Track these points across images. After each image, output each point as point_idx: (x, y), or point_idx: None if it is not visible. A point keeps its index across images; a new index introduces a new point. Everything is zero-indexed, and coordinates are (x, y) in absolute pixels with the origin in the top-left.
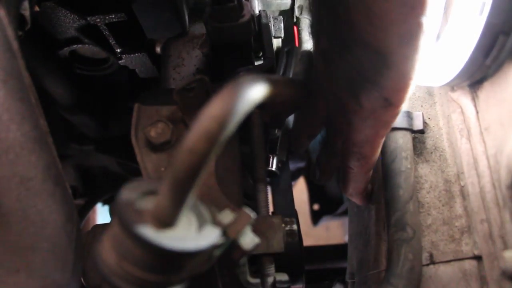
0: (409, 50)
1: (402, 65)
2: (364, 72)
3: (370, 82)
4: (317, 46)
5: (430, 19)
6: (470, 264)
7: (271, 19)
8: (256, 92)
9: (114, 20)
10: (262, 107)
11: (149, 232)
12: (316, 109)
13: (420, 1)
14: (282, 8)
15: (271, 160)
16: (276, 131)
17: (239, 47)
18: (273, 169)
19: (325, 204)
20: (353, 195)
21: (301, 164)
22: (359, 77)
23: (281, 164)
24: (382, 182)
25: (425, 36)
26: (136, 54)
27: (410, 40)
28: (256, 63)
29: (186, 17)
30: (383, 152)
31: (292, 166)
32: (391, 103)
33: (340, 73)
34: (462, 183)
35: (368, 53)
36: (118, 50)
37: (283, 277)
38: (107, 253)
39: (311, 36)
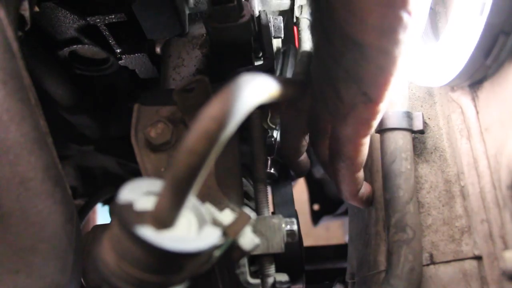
0: (389, 44)
1: (381, 59)
2: (344, 65)
3: (349, 74)
4: (313, 45)
5: (412, 15)
6: (470, 265)
7: (271, 19)
8: (256, 92)
9: (114, 20)
10: (262, 108)
11: (148, 233)
12: (302, 109)
13: None
14: (282, 8)
15: (269, 162)
16: (273, 133)
17: (239, 47)
18: (271, 171)
19: (325, 204)
20: (348, 198)
21: None
22: (340, 70)
23: (279, 166)
24: (382, 183)
25: (406, 32)
26: (136, 54)
27: (390, 34)
28: (256, 63)
29: (186, 17)
30: (383, 152)
31: None
32: (371, 99)
33: (325, 68)
34: (462, 183)
35: (347, 44)
36: (118, 51)
37: (283, 277)
38: (107, 253)
39: (311, 35)
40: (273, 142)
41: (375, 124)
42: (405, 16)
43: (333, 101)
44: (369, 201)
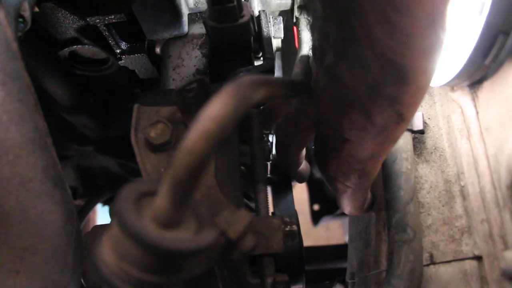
0: (429, 64)
1: (421, 79)
2: (379, 89)
3: (386, 98)
4: (321, 63)
5: (446, 32)
6: (471, 264)
7: (271, 20)
8: (255, 92)
9: (113, 20)
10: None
11: (148, 233)
12: (305, 114)
13: (441, 15)
14: (282, 8)
15: (268, 167)
16: (268, 138)
17: (238, 47)
18: (270, 175)
19: (325, 204)
20: (352, 212)
21: None
22: (373, 94)
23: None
24: (383, 183)
25: (442, 50)
26: (136, 54)
27: (431, 55)
28: (256, 64)
29: (186, 17)
30: None
31: None
32: (404, 118)
33: (348, 91)
34: (462, 183)
35: (387, 69)
36: (118, 51)
37: (283, 277)
38: (107, 254)
39: (310, 33)
40: (269, 146)
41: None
42: (442, 34)
43: (360, 124)
44: (370, 208)
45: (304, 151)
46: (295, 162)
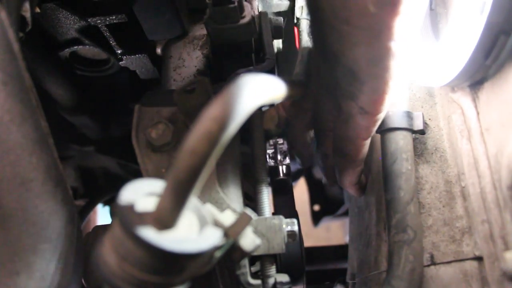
0: (379, 70)
1: (374, 83)
2: (341, 83)
3: (346, 92)
4: (315, 62)
5: (399, 44)
6: (471, 265)
7: (271, 20)
8: (257, 93)
9: (114, 21)
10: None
11: (150, 234)
12: (306, 108)
13: (388, 27)
14: (283, 9)
15: (283, 169)
16: (281, 141)
17: (239, 48)
18: (283, 177)
19: (326, 205)
20: (348, 187)
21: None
22: (338, 87)
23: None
24: (383, 183)
25: (395, 58)
26: (137, 55)
27: (379, 62)
28: (257, 64)
29: (187, 18)
30: (383, 153)
31: (293, 167)
32: (367, 112)
33: (326, 79)
34: (462, 184)
35: (344, 71)
36: (119, 51)
37: (284, 278)
38: (108, 254)
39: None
40: (285, 148)
41: (375, 129)
42: (391, 45)
43: (335, 108)
44: (363, 189)
45: (311, 134)
46: (304, 142)
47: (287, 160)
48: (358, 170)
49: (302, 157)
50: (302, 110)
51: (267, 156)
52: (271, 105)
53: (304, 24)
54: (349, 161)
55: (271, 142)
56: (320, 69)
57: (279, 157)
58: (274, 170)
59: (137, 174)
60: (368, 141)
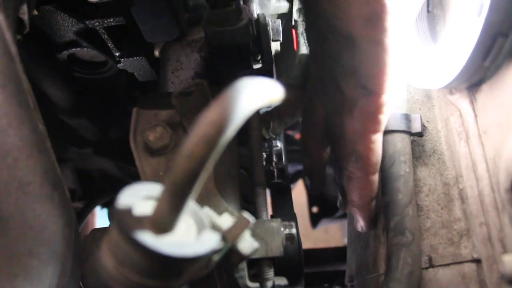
0: (377, 33)
1: (373, 49)
2: (340, 60)
3: (346, 69)
4: (309, 46)
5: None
6: (469, 268)
7: (269, 23)
8: (255, 97)
9: (112, 24)
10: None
11: (147, 238)
12: (316, 113)
13: None
14: (281, 12)
15: (275, 172)
16: (276, 143)
17: (237, 50)
18: (279, 180)
19: (324, 207)
20: (358, 206)
21: (300, 167)
22: (337, 66)
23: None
24: (381, 186)
25: (392, 18)
26: (135, 57)
27: (376, 23)
28: (255, 67)
29: (185, 21)
30: (382, 156)
31: (291, 169)
32: (371, 91)
33: (325, 66)
34: (460, 186)
35: (339, 38)
36: (117, 54)
37: (282, 281)
38: (106, 258)
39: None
40: (280, 152)
41: (382, 118)
42: (388, 1)
43: (338, 98)
44: (375, 220)
45: (327, 153)
46: (321, 163)
47: (282, 163)
48: (373, 180)
49: (315, 180)
50: (312, 124)
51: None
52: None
53: (302, 26)
54: (362, 165)
55: (266, 145)
56: (318, 54)
57: (274, 159)
58: (270, 173)
59: (135, 176)
60: (378, 140)
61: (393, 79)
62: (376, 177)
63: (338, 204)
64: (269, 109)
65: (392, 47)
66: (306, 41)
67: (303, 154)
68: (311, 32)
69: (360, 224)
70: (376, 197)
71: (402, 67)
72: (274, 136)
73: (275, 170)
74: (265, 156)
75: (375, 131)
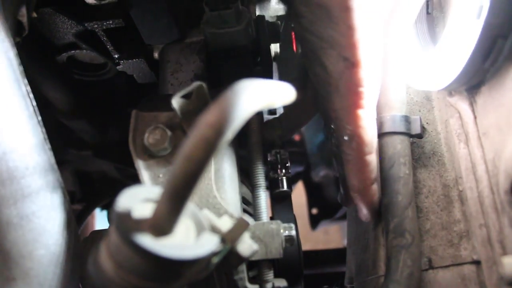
0: (350, 2)
1: (348, 17)
2: (317, 32)
3: (326, 41)
4: (295, 27)
5: None
6: (469, 269)
7: (269, 24)
8: (254, 99)
9: (112, 26)
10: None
11: (146, 240)
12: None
13: None
14: (280, 13)
15: (284, 181)
16: (283, 151)
17: (237, 52)
18: (286, 189)
19: (324, 208)
20: (358, 190)
21: (299, 168)
22: (317, 40)
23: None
24: (381, 187)
25: None
26: (134, 59)
27: None
28: (254, 68)
29: (184, 23)
30: (381, 157)
31: (291, 170)
32: (352, 62)
33: (306, 46)
34: (460, 188)
35: (313, 9)
36: (116, 56)
37: (282, 282)
38: (105, 260)
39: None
40: (286, 160)
41: (366, 93)
42: None
43: (323, 76)
44: (376, 209)
45: None
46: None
47: (289, 172)
48: (369, 161)
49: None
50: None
51: (269, 167)
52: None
53: None
54: (356, 144)
55: (273, 152)
56: (303, 42)
57: (280, 168)
58: (274, 181)
59: (134, 178)
60: (366, 116)
61: (374, 50)
62: (372, 157)
63: (339, 198)
64: (276, 116)
65: (366, 14)
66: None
67: (336, 162)
68: (290, 16)
69: (363, 212)
70: (376, 181)
71: (402, 68)
72: (280, 143)
73: (281, 179)
74: (271, 163)
75: (360, 106)
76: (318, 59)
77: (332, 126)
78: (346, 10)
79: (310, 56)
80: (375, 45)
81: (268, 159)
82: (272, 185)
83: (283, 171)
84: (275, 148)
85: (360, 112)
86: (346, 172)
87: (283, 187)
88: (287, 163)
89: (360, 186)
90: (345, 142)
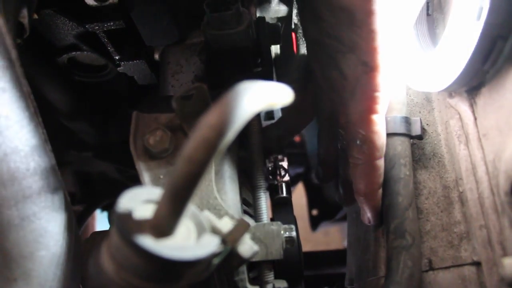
0: (372, 5)
1: (371, 21)
2: (339, 36)
3: (346, 45)
4: (304, 33)
5: None
6: (469, 270)
7: (269, 26)
8: (255, 100)
9: (112, 27)
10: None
11: (147, 242)
12: (323, 106)
13: None
14: (281, 15)
15: (284, 187)
16: (282, 157)
17: (237, 54)
18: (285, 195)
19: (324, 209)
20: (364, 194)
21: (299, 170)
22: (336, 43)
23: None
24: (382, 188)
25: None
26: (135, 61)
27: None
28: (255, 70)
29: (185, 24)
30: None
31: (291, 171)
32: (370, 67)
33: (324, 51)
34: (460, 189)
35: (336, 13)
36: (117, 57)
37: (282, 284)
38: (106, 262)
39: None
40: (286, 165)
41: (382, 98)
42: None
43: (339, 81)
44: (380, 212)
45: None
46: (332, 151)
47: (287, 177)
48: (378, 166)
49: (327, 168)
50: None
51: (267, 173)
52: (270, 111)
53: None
54: (367, 148)
55: (271, 158)
56: (315, 45)
57: (278, 173)
58: (274, 188)
59: (135, 179)
60: (380, 122)
61: (391, 55)
62: (381, 162)
63: (337, 197)
64: (273, 121)
65: (387, 18)
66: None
67: (318, 145)
68: (306, 18)
69: (368, 215)
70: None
71: (401, 70)
72: (279, 149)
73: (280, 184)
74: (270, 169)
75: (376, 111)
76: (334, 63)
77: (340, 131)
78: (370, 14)
79: (324, 60)
80: (392, 49)
81: (267, 165)
82: (272, 191)
83: (282, 177)
84: (273, 154)
85: (375, 117)
86: (353, 176)
87: (282, 193)
88: (286, 168)
89: (367, 190)
90: (356, 146)
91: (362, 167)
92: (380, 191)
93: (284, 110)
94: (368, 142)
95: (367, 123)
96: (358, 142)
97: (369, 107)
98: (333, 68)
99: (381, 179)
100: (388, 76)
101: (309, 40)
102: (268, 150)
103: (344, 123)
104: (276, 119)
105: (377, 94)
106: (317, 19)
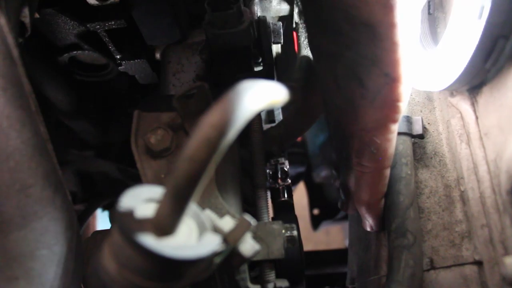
0: (393, 17)
1: (393, 34)
2: (360, 50)
3: (367, 58)
4: (313, 49)
5: None
6: (471, 269)
7: (271, 25)
8: (256, 99)
9: (113, 26)
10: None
11: (149, 240)
12: (312, 106)
13: None
14: (282, 14)
15: (285, 190)
16: (283, 160)
17: (238, 53)
18: (286, 198)
19: (325, 209)
20: (369, 205)
21: (301, 169)
22: (357, 57)
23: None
24: None
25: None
26: (136, 60)
27: (392, 8)
28: (256, 69)
29: (186, 23)
30: None
31: (292, 171)
32: (393, 78)
33: (341, 63)
34: (462, 188)
35: (359, 28)
36: (118, 57)
37: (284, 283)
38: (108, 260)
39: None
40: (286, 169)
41: (402, 106)
42: None
43: (358, 92)
44: (381, 218)
45: None
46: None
47: (288, 181)
48: (385, 176)
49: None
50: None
51: (268, 176)
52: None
53: (303, 29)
54: (378, 158)
55: (272, 161)
56: (332, 58)
57: (280, 176)
58: (275, 191)
59: (136, 178)
60: (396, 130)
61: (410, 64)
62: (388, 172)
63: (339, 205)
64: (274, 124)
65: (405, 28)
66: (308, 45)
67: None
68: (319, 31)
69: (369, 223)
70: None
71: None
72: (279, 152)
73: (282, 188)
74: (270, 173)
75: (395, 120)
76: (353, 74)
77: (347, 138)
78: (392, 27)
79: (342, 70)
80: (411, 58)
81: (267, 169)
82: (273, 194)
83: (283, 180)
84: (274, 157)
85: (392, 126)
86: (357, 185)
87: (284, 196)
88: (287, 172)
89: (371, 199)
90: (369, 154)
91: (370, 175)
92: (383, 200)
93: (285, 112)
94: (382, 150)
95: (384, 131)
96: (372, 149)
97: (388, 116)
98: (351, 78)
99: (385, 189)
100: (409, 85)
101: (321, 52)
102: (269, 153)
103: (357, 130)
104: (277, 122)
105: (399, 103)
106: (335, 33)
